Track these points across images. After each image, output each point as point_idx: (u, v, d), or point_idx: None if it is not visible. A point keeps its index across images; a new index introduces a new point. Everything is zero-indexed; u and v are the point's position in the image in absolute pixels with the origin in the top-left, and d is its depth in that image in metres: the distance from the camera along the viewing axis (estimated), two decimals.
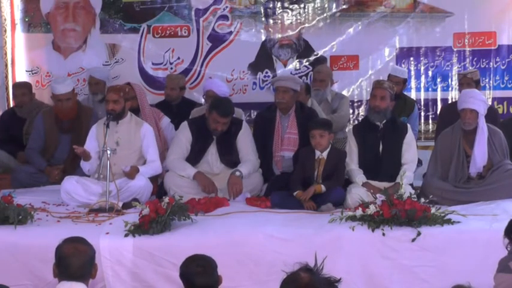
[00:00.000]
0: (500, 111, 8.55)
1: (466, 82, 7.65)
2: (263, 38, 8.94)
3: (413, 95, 8.73)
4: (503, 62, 8.78)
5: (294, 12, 8.91)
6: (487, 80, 8.73)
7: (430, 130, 8.77)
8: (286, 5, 8.90)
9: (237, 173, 6.53)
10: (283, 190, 6.35)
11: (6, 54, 8.96)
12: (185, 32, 8.96)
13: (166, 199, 5.50)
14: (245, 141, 6.77)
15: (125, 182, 6.33)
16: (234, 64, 8.90)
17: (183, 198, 5.67)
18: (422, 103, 8.82)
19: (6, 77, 8.95)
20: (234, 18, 8.91)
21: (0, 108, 8.80)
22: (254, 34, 8.93)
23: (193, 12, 8.93)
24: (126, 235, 5.35)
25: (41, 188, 7.05)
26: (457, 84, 8.48)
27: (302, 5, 8.88)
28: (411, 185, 6.36)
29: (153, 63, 8.99)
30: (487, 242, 5.21)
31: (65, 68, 8.97)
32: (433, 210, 5.50)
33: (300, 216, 5.92)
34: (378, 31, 8.83)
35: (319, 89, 7.91)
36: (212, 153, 6.73)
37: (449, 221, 5.45)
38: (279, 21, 8.92)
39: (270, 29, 8.94)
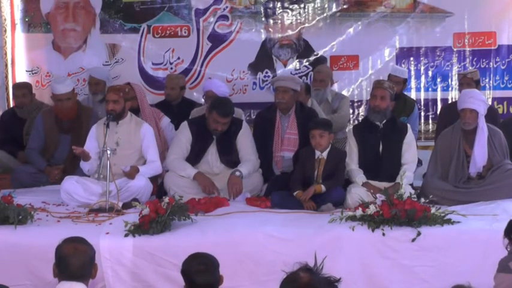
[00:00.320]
0: (500, 111, 8.55)
1: (466, 82, 7.65)
2: (263, 38, 8.94)
3: (413, 95, 8.74)
4: (503, 62, 8.78)
5: (294, 12, 8.91)
6: (487, 80, 8.73)
7: (430, 130, 8.78)
8: (286, 5, 8.90)
9: (237, 173, 6.53)
10: (283, 190, 6.35)
11: (6, 54, 8.96)
12: (185, 32, 8.96)
13: (166, 199, 5.50)
14: (245, 141, 6.76)
15: (125, 182, 6.33)
16: (234, 64, 8.90)
17: (183, 198, 5.67)
18: (422, 103, 8.82)
19: (6, 77, 8.95)
20: (234, 18, 8.92)
21: (0, 109, 8.80)
22: (254, 34, 8.94)
23: (193, 12, 8.94)
24: (126, 235, 5.35)
25: (41, 188, 7.05)
26: (457, 84, 8.49)
27: (302, 5, 8.89)
28: (411, 185, 6.36)
29: (153, 63, 8.99)
30: (487, 242, 5.22)
31: (65, 68, 8.98)
32: (433, 210, 5.50)
33: (300, 216, 5.92)
34: (378, 31, 8.83)
35: (319, 89, 7.91)
36: (212, 153, 6.73)
37: (449, 221, 5.45)
38: (279, 21, 8.93)
39: (270, 29, 8.95)
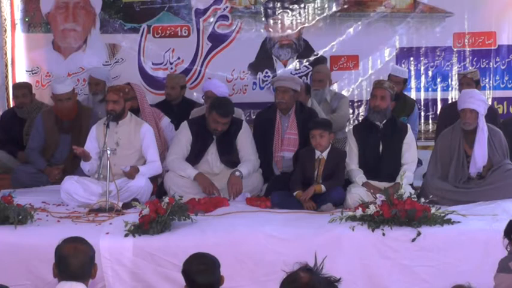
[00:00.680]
0: (500, 111, 8.55)
1: (466, 82, 7.65)
2: (263, 38, 8.94)
3: (413, 95, 8.74)
4: (503, 62, 8.78)
5: (294, 12, 8.91)
6: (487, 80, 8.74)
7: (430, 130, 8.78)
8: (286, 5, 8.91)
9: (237, 173, 6.53)
10: (283, 190, 6.35)
11: (6, 54, 8.97)
12: (185, 32, 8.96)
13: (166, 199, 5.50)
14: (245, 141, 6.76)
15: (125, 182, 6.33)
16: (234, 64, 8.90)
17: (183, 198, 5.67)
18: (422, 103, 8.83)
19: (6, 77, 8.95)
20: (234, 18, 8.92)
21: (0, 108, 8.80)
22: (254, 34, 8.94)
23: (193, 12, 8.94)
24: (126, 235, 5.35)
25: (41, 188, 7.05)
26: (457, 84, 8.49)
27: (302, 5, 8.89)
28: (411, 185, 6.36)
29: (153, 63, 8.99)
30: (487, 242, 5.22)
31: (65, 68, 8.98)
32: (433, 210, 5.50)
33: (300, 216, 5.92)
34: (378, 31, 8.84)
35: (318, 89, 7.91)
36: (212, 153, 6.73)
37: (449, 221, 5.45)
38: (279, 21, 8.93)
39: (270, 29, 8.95)
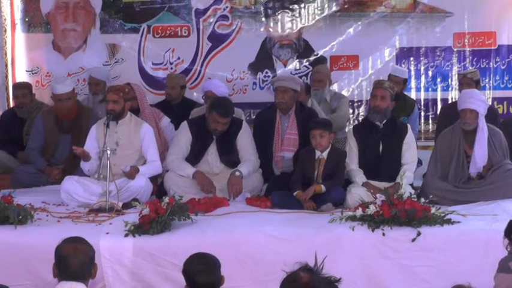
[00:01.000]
0: (500, 111, 8.55)
1: (466, 82, 7.66)
2: (263, 38, 8.94)
3: (413, 95, 8.74)
4: (503, 62, 8.78)
5: (294, 12, 8.91)
6: (487, 80, 8.74)
7: (430, 130, 8.78)
8: (286, 5, 8.91)
9: (237, 173, 6.53)
10: (283, 190, 6.35)
11: (6, 54, 8.97)
12: (185, 32, 8.96)
13: (166, 199, 5.50)
14: (245, 141, 6.77)
15: (125, 182, 6.33)
16: (234, 64, 8.90)
17: (183, 198, 5.67)
18: (422, 103, 8.83)
19: (6, 77, 8.95)
20: (234, 18, 8.92)
21: (0, 108, 8.80)
22: (254, 34, 8.94)
23: (193, 12, 8.94)
24: (126, 235, 5.35)
25: (41, 188, 7.05)
26: (457, 84, 8.49)
27: (302, 5, 8.89)
28: (411, 185, 6.36)
29: (153, 63, 8.99)
30: (487, 242, 5.22)
31: (65, 68, 8.98)
32: (433, 210, 5.50)
33: (300, 216, 5.92)
34: (378, 31, 8.84)
35: (318, 89, 7.91)
36: (212, 153, 6.73)
37: (449, 221, 5.45)
38: (279, 21, 8.93)
39: (270, 29, 8.95)
